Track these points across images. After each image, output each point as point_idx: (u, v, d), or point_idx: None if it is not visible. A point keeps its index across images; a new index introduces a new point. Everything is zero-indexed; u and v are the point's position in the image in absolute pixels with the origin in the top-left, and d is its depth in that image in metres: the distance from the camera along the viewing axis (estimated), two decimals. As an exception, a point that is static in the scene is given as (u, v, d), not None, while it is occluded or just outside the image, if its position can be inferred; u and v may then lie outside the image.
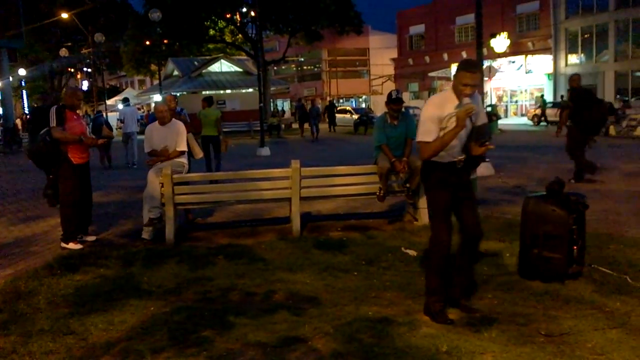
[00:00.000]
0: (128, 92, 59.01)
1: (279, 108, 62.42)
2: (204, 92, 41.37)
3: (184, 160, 8.24)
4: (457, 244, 4.83)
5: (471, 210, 4.78)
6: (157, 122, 8.32)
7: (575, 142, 11.57)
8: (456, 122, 4.43)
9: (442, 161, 4.63)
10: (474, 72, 4.53)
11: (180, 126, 8.26)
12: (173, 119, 8.41)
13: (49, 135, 7.51)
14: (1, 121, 39.43)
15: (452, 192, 4.66)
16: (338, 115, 42.25)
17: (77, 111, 8.07)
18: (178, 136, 8.17)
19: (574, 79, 11.66)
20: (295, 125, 48.16)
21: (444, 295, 4.78)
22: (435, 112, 4.55)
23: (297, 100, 31.80)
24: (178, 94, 39.55)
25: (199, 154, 8.82)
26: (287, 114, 60.30)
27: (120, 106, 22.93)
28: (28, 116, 16.84)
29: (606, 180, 11.89)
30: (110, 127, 18.76)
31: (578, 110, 11.35)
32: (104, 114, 25.50)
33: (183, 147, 8.22)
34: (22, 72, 50.86)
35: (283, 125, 39.29)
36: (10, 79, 42.39)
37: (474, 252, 4.92)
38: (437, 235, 4.71)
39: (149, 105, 50.44)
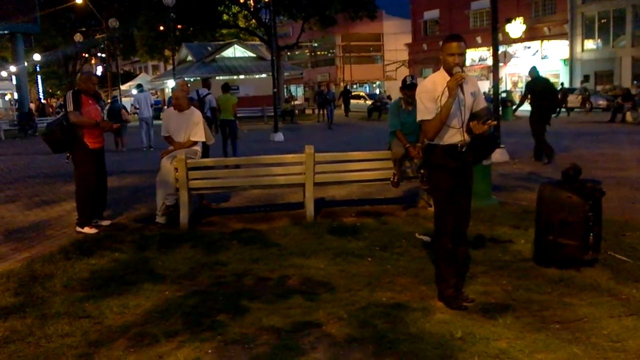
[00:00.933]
0: (142, 78, 59.16)
1: (292, 94, 62.38)
2: (217, 78, 41.49)
3: (197, 148, 8.25)
4: None
5: (464, 200, 4.73)
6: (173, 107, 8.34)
7: (536, 126, 13.08)
8: (448, 93, 4.44)
9: (442, 143, 4.61)
10: (457, 40, 4.55)
11: (198, 115, 8.26)
12: (192, 107, 8.40)
13: (66, 120, 7.54)
14: (16, 106, 39.69)
15: (454, 176, 4.62)
16: (352, 101, 42.18)
17: (100, 96, 8.10)
18: (195, 125, 8.16)
19: (530, 71, 13.32)
20: (308, 111, 48.21)
21: (454, 281, 4.75)
22: (430, 92, 4.57)
23: (317, 85, 31.06)
24: (192, 79, 39.65)
25: (211, 139, 8.82)
26: (301, 100, 60.32)
27: (135, 92, 23.19)
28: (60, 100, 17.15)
29: (623, 167, 11.79)
30: (127, 112, 19.17)
31: (535, 99, 13.01)
32: (120, 100, 25.76)
33: (199, 137, 8.21)
34: (37, 57, 51.07)
35: (297, 111, 39.25)
36: (26, 64, 42.59)
37: (461, 242, 4.80)
38: (441, 220, 4.70)
39: (162, 90, 50.60)
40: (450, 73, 4.51)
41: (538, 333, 4.11)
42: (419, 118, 4.65)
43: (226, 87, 14.86)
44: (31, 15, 37.38)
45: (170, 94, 9.29)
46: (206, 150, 9.43)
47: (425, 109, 4.57)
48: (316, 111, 37.59)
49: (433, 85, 4.60)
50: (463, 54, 4.54)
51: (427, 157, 4.79)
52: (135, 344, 4.16)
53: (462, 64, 4.53)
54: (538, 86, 13.07)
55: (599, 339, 4.00)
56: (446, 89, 4.45)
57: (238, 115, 15.20)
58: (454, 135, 4.59)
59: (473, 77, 4.79)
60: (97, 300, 5.02)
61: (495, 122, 4.67)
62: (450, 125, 4.53)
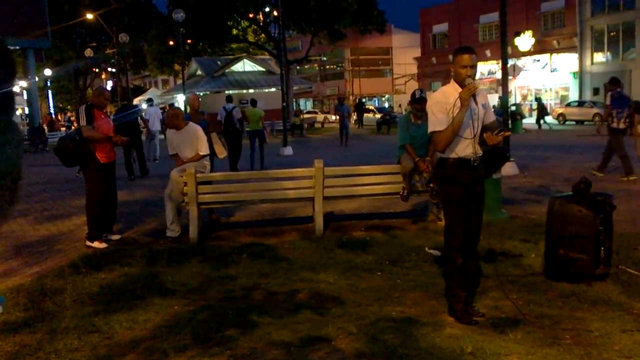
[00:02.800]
0: (152, 92, 59.49)
1: (301, 109, 62.57)
2: (227, 92, 41.67)
3: (206, 162, 8.29)
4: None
5: (476, 214, 4.70)
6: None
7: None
8: (460, 103, 4.42)
9: (454, 157, 4.59)
10: (469, 52, 4.55)
11: (198, 130, 8.30)
12: (190, 122, 8.45)
13: (79, 134, 7.59)
14: (27, 121, 39.94)
15: (467, 190, 4.59)
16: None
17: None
18: (197, 140, 8.22)
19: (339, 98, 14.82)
20: (317, 125, 48.28)
21: (464, 295, 4.72)
22: (441, 103, 4.56)
23: (337, 99, 29.71)
24: (201, 94, 39.84)
25: (223, 152, 8.85)
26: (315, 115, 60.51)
27: (145, 106, 23.54)
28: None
29: (634, 180, 11.72)
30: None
31: None
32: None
33: (204, 151, 8.27)
34: (47, 72, 51.49)
35: (306, 125, 39.34)
36: (37, 79, 42.94)
37: (471, 256, 4.78)
38: (451, 235, 4.67)
39: (172, 105, 50.81)
40: (461, 85, 4.51)
41: (549, 348, 4.08)
42: (430, 129, 4.64)
43: (254, 102, 17.43)
44: (42, 30, 37.72)
45: (188, 106, 9.62)
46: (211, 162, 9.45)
47: (437, 120, 4.56)
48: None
49: (444, 96, 4.59)
50: (474, 66, 4.54)
51: (439, 170, 4.77)
52: (145, 359, 4.16)
53: (474, 76, 4.53)
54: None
55: (611, 354, 3.97)
56: (458, 100, 4.43)
57: (247, 129, 16.95)
58: (467, 148, 4.56)
59: (483, 90, 4.77)
60: (107, 315, 5.03)
61: (509, 133, 4.67)
62: (462, 135, 4.51)
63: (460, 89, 4.50)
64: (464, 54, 4.53)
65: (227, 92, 41.51)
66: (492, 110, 4.85)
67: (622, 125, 12.57)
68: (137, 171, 15.89)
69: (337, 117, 26.32)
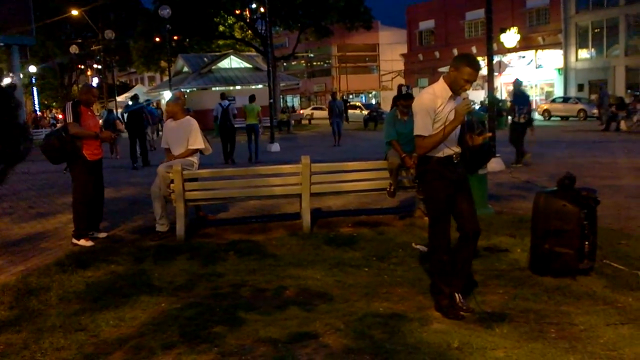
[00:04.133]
0: (138, 89, 59.18)
1: (289, 105, 62.57)
2: (214, 89, 41.63)
3: (194, 159, 8.24)
4: (455, 240, 4.80)
5: (468, 206, 4.71)
6: (170, 118, 8.38)
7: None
8: (455, 116, 4.46)
9: (437, 155, 4.61)
10: (477, 69, 4.54)
11: (193, 123, 8.26)
12: (187, 115, 8.42)
13: (65, 131, 7.54)
14: None
15: (450, 187, 4.62)
16: (349, 111, 42.31)
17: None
18: (190, 133, 8.17)
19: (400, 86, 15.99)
20: (305, 122, 48.23)
21: (450, 290, 4.73)
22: (430, 105, 4.54)
23: (330, 94, 27.69)
24: (188, 90, 39.72)
25: (209, 149, 8.82)
26: (298, 111, 60.46)
27: (130, 103, 23.91)
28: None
29: (617, 175, 11.83)
30: (122, 123, 20.32)
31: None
32: (115, 111, 26.22)
33: (197, 145, 8.22)
34: (32, 69, 51.13)
35: (293, 121, 39.33)
36: (21, 76, 42.59)
37: (472, 250, 4.82)
38: (435, 232, 4.69)
39: (159, 101, 50.59)
40: (454, 90, 4.53)
41: (535, 342, 4.11)
42: (415, 132, 4.62)
43: (252, 98, 18.90)
44: (27, 26, 37.39)
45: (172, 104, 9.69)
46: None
47: (422, 125, 4.56)
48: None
49: (432, 99, 4.56)
50: (475, 81, 4.58)
51: (422, 168, 4.75)
52: (132, 357, 4.15)
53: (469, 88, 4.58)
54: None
55: (596, 347, 4.00)
56: (452, 111, 4.47)
57: (236, 125, 18.33)
58: (450, 147, 4.62)
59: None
60: (93, 313, 5.01)
61: (490, 134, 4.72)
62: (447, 145, 4.57)
63: (450, 93, 4.53)
64: (472, 69, 4.50)
65: (213, 88, 41.59)
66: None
67: (522, 120, 14.27)
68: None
69: (329, 114, 23.95)
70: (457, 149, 4.66)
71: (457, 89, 4.53)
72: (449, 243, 4.71)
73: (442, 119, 4.50)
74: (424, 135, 4.56)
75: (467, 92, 4.58)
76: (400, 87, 8.32)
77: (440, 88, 4.62)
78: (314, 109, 56.50)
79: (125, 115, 21.16)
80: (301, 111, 56.33)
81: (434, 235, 4.72)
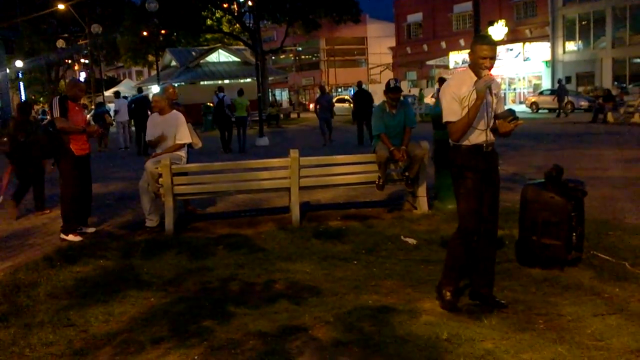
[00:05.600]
0: (126, 83, 58.93)
1: (276, 98, 62.44)
2: (202, 83, 41.46)
3: (182, 153, 8.21)
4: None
5: (491, 204, 4.63)
6: (157, 112, 8.32)
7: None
8: (477, 95, 4.37)
9: (465, 144, 4.53)
10: (490, 44, 4.46)
11: (180, 117, 8.22)
12: (174, 110, 8.36)
13: (52, 126, 7.50)
14: None
15: (481, 176, 4.54)
16: (337, 105, 42.14)
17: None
18: (177, 127, 8.14)
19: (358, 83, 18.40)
20: (293, 115, 48.06)
21: (457, 286, 4.69)
22: (455, 92, 4.48)
23: (319, 88, 24.49)
24: (176, 84, 39.53)
25: (198, 144, 8.79)
26: (285, 104, 60.32)
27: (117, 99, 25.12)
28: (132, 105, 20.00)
29: (605, 167, 11.90)
30: (110, 116, 21.42)
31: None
32: (104, 104, 26.64)
33: (185, 140, 8.18)
34: (19, 63, 50.61)
35: (281, 115, 39.26)
36: (7, 70, 42.27)
37: (490, 246, 4.72)
38: (467, 219, 4.56)
39: (146, 96, 50.37)
40: (477, 74, 4.44)
41: (523, 333, 4.14)
42: (444, 119, 4.56)
43: (241, 92, 20.57)
44: (11, 20, 37.10)
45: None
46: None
47: (450, 110, 4.50)
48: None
49: (457, 84, 4.52)
50: (494, 58, 4.45)
51: (453, 157, 4.65)
52: (121, 351, 4.14)
53: (491, 67, 4.46)
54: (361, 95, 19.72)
55: (583, 338, 4.04)
56: (474, 91, 4.39)
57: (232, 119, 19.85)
58: (479, 136, 4.52)
59: (496, 80, 4.70)
60: (82, 309, 4.99)
61: (522, 122, 4.55)
62: (476, 127, 4.48)
63: (475, 78, 4.45)
64: (484, 44, 4.43)
65: (202, 82, 41.48)
66: (503, 99, 4.74)
67: None
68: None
69: (316, 109, 21.81)
70: (488, 137, 4.54)
71: (478, 70, 4.43)
72: (476, 234, 4.58)
73: (470, 103, 4.44)
74: (452, 121, 4.50)
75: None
76: (388, 81, 8.33)
77: (464, 74, 4.56)
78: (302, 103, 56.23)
79: (122, 106, 22.73)
80: (310, 106, 54.52)
81: (465, 222, 4.57)
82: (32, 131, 9.14)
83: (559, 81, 33.95)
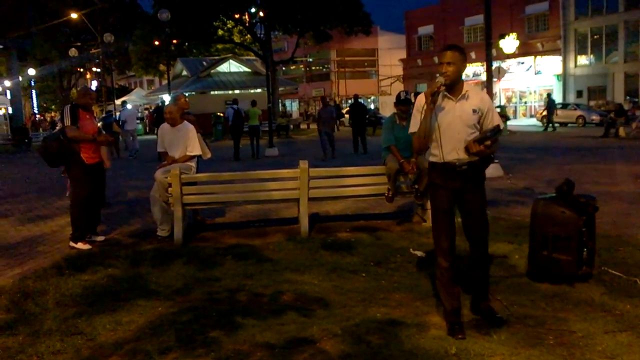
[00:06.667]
0: (137, 92, 59.24)
1: (287, 109, 62.60)
2: (212, 93, 41.62)
3: (192, 163, 8.24)
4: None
5: (476, 222, 4.55)
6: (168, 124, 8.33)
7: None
8: (424, 101, 4.29)
9: (438, 161, 4.46)
10: (450, 49, 4.39)
11: (191, 130, 8.24)
12: (185, 121, 8.38)
13: (63, 134, 7.53)
14: (7, 120, 39.64)
15: (451, 194, 4.44)
16: (346, 116, 42.15)
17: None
18: (188, 140, 8.16)
19: (354, 96, 20.09)
20: (303, 126, 48.07)
21: (454, 307, 4.51)
22: (419, 104, 4.40)
23: (321, 100, 23.32)
24: (187, 94, 39.70)
25: (207, 154, 8.81)
26: (295, 115, 60.40)
27: (128, 106, 26.11)
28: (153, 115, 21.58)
29: (616, 181, 11.83)
30: (119, 125, 21.95)
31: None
32: (114, 114, 26.96)
33: (195, 152, 8.21)
34: (31, 72, 51.09)
35: (291, 126, 39.32)
36: (20, 78, 42.60)
37: (478, 262, 4.67)
38: (436, 239, 4.52)
39: (156, 105, 50.63)
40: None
41: (532, 349, 4.10)
42: (409, 131, 4.55)
43: (254, 103, 22.14)
44: (25, 30, 37.41)
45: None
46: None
47: (413, 121, 4.48)
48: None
49: (421, 98, 4.43)
50: (453, 64, 4.32)
51: (428, 174, 4.65)
52: (128, 360, 4.13)
53: (455, 74, 4.32)
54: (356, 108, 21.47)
55: (594, 355, 3.99)
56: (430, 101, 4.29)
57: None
58: (450, 153, 4.38)
59: (478, 93, 4.57)
60: (90, 317, 4.99)
61: (490, 149, 4.34)
62: (442, 144, 4.36)
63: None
64: (444, 50, 4.39)
65: (212, 92, 41.67)
66: (495, 115, 4.54)
67: None
68: None
69: (318, 123, 20.77)
70: (460, 156, 4.38)
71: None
72: (451, 249, 4.49)
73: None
74: (413, 132, 4.47)
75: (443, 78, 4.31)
76: (399, 94, 8.33)
77: (429, 88, 4.45)
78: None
79: (128, 116, 24.34)
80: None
81: (435, 242, 4.54)
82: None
83: (548, 95, 35.57)
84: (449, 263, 4.47)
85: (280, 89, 48.60)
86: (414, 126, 4.48)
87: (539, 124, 37.26)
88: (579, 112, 37.21)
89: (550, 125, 32.64)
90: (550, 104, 33.47)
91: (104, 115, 28.47)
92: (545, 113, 34.52)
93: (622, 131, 25.23)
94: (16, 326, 4.86)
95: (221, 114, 34.31)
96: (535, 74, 45.88)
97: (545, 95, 45.38)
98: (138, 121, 33.41)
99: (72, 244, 7.68)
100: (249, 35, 49.25)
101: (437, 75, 4.32)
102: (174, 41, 45.88)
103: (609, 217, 8.12)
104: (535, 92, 47.20)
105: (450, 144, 4.37)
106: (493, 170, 12.54)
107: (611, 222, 7.88)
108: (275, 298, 5.42)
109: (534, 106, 46.35)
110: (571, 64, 44.17)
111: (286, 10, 42.09)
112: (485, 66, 13.06)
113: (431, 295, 5.25)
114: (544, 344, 4.20)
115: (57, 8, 48.17)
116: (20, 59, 41.56)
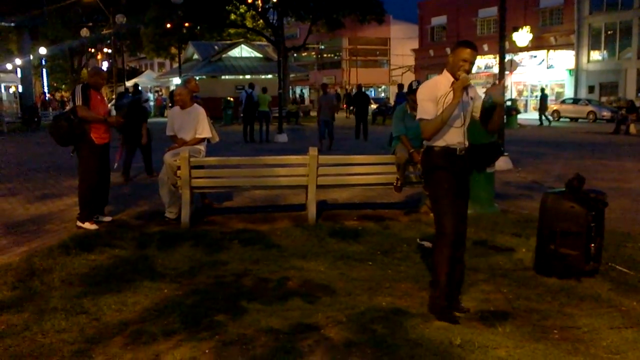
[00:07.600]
0: (147, 75, 59.24)
1: (297, 95, 62.46)
2: (223, 77, 41.58)
3: (201, 147, 8.23)
4: None
5: (462, 204, 4.65)
6: (177, 106, 8.32)
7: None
8: (453, 95, 4.41)
9: (439, 145, 4.56)
10: (472, 48, 4.53)
11: (201, 112, 8.23)
12: (195, 104, 8.37)
13: (74, 114, 7.53)
14: (17, 99, 39.74)
15: (453, 179, 4.55)
16: (344, 106, 42.13)
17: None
18: (198, 122, 8.15)
19: (358, 86, 20.06)
20: (313, 113, 47.98)
21: (447, 290, 4.58)
22: (432, 92, 4.55)
23: (321, 87, 21.40)
24: (197, 78, 39.70)
25: (216, 138, 8.79)
26: (307, 101, 60.29)
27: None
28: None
29: (626, 178, 11.77)
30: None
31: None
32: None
33: (205, 134, 8.20)
34: (42, 50, 51.05)
35: (302, 113, 39.26)
36: (31, 57, 42.63)
37: (459, 247, 4.66)
38: (441, 223, 4.55)
39: (167, 88, 50.64)
40: (455, 77, 4.49)
41: (537, 343, 4.08)
42: (417, 117, 4.62)
43: (264, 89, 22.55)
44: (38, 8, 37.42)
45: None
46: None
47: (425, 110, 4.54)
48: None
49: (434, 85, 4.59)
50: (473, 62, 4.53)
51: (425, 159, 4.71)
52: (132, 341, 4.14)
53: (469, 72, 4.52)
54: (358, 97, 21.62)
55: (599, 350, 3.98)
56: (451, 92, 4.42)
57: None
58: (455, 137, 4.55)
59: (473, 84, 4.75)
60: (95, 297, 5.00)
61: (503, 81, 4.66)
62: (452, 125, 4.50)
63: (452, 79, 4.51)
64: (467, 48, 4.51)
65: (223, 77, 41.66)
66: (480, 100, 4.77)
67: None
68: None
69: (318, 111, 19.57)
70: (462, 142, 4.58)
71: (455, 71, 4.49)
72: (455, 236, 4.55)
73: (446, 102, 4.46)
74: (424, 119, 4.54)
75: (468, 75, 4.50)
76: (411, 83, 8.30)
77: (443, 77, 4.61)
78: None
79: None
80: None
81: (439, 226, 4.58)
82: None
83: (542, 90, 35.63)
84: (452, 242, 4.54)
85: (292, 75, 48.47)
86: (423, 113, 4.55)
87: (550, 118, 37.08)
88: (590, 108, 37.01)
89: (545, 119, 32.84)
90: (542, 99, 33.73)
91: (114, 96, 28.41)
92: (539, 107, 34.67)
93: (632, 128, 25.08)
94: (22, 304, 4.88)
95: (231, 99, 34.29)
96: (548, 68, 45.59)
97: (555, 90, 45.30)
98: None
99: (79, 223, 7.70)
100: (261, 21, 49.10)
101: (458, 71, 4.48)
102: (186, 24, 45.76)
103: (617, 213, 8.08)
104: (546, 86, 46.87)
105: (455, 130, 4.54)
106: (502, 163, 12.48)
107: (619, 218, 7.85)
108: (281, 284, 5.42)
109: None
110: (584, 59, 43.86)
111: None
112: (497, 59, 12.95)
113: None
114: (549, 338, 4.19)
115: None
116: (32, 38, 41.51)
